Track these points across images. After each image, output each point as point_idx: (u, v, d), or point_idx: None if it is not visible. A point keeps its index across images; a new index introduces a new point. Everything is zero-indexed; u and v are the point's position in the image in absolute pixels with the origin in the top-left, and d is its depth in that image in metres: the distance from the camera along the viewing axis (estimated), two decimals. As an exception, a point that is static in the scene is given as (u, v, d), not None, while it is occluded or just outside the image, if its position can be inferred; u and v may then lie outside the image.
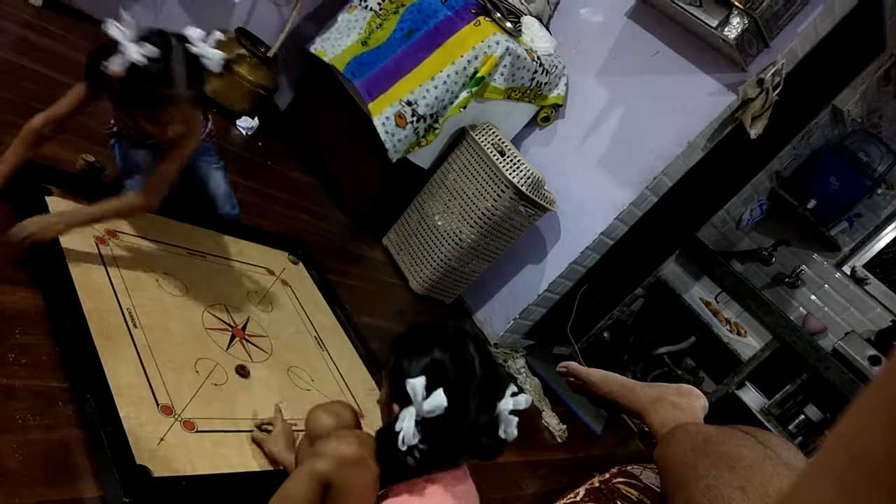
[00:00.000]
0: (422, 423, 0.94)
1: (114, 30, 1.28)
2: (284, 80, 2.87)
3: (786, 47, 2.17)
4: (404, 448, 0.93)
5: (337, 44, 2.57)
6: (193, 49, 1.35)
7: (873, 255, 3.57)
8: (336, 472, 0.99)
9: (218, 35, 1.38)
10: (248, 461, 1.31)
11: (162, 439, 1.19)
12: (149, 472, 1.10)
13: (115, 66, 1.28)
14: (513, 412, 1.02)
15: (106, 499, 1.05)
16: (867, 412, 0.24)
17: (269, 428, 1.39)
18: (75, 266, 1.37)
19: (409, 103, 2.30)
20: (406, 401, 0.95)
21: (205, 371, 1.41)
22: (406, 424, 0.93)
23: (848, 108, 3.41)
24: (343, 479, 0.99)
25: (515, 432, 1.02)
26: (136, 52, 1.27)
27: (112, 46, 1.28)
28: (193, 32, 1.36)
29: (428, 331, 1.05)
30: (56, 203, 1.50)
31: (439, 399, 0.92)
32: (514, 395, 1.03)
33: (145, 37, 1.31)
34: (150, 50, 1.28)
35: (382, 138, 2.33)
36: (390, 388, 1.02)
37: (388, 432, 0.96)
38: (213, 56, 1.36)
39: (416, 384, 0.93)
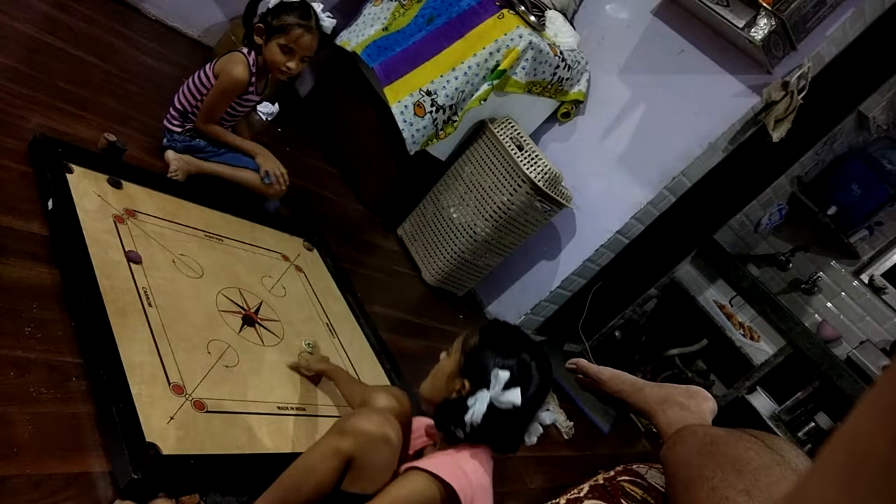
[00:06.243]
0: (488, 408, 1.03)
1: None
2: (306, 67, 2.87)
3: (813, 50, 2.14)
4: (467, 422, 1.03)
5: (361, 34, 2.57)
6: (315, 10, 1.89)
7: (893, 264, 3.52)
8: (359, 451, 1.05)
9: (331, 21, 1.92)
10: (257, 443, 1.32)
11: (172, 418, 1.21)
12: (158, 449, 1.12)
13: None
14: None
15: (114, 474, 1.07)
16: (872, 414, 0.24)
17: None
18: (93, 244, 1.39)
19: (428, 93, 2.30)
20: (479, 382, 1.05)
21: (217, 352, 1.43)
22: (479, 406, 1.02)
23: (873, 115, 3.36)
24: (365, 456, 1.05)
25: (535, 440, 1.13)
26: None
27: None
28: (316, 5, 1.89)
29: (516, 333, 1.15)
30: (77, 181, 1.52)
31: (515, 397, 1.02)
32: (546, 409, 1.14)
33: None
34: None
35: (401, 127, 2.32)
36: (464, 364, 1.11)
37: (457, 404, 1.06)
38: (328, 23, 1.90)
39: (502, 376, 1.02)
